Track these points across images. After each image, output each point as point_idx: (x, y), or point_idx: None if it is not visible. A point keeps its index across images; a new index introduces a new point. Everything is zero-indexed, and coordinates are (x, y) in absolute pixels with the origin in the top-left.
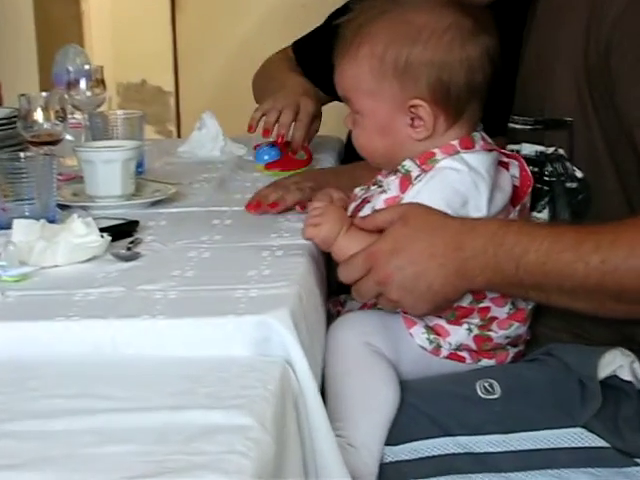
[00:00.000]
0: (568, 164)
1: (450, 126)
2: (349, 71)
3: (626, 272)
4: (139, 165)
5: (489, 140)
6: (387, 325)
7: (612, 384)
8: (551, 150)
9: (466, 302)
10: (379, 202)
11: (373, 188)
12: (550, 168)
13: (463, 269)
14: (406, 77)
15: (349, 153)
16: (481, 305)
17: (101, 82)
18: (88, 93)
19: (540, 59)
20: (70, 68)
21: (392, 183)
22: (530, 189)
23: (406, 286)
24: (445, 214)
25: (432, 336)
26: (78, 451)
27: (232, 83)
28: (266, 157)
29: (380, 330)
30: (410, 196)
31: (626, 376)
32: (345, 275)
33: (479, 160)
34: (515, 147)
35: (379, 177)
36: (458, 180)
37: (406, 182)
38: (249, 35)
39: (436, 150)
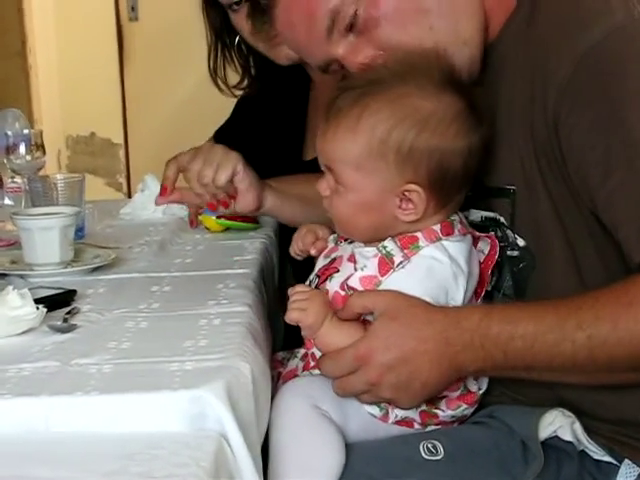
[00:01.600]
0: (509, 232)
1: (438, 211)
2: (342, 142)
3: (614, 344)
4: (79, 229)
5: (465, 222)
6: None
7: (553, 444)
8: (495, 215)
9: None
10: (353, 279)
11: (342, 245)
12: (499, 233)
13: (455, 363)
14: (407, 162)
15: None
16: None
17: (40, 146)
18: (28, 157)
19: None
20: (9, 132)
21: (369, 261)
22: (490, 271)
23: (400, 385)
24: (427, 306)
25: (382, 404)
26: None
27: (181, 134)
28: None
29: (328, 395)
30: (392, 283)
31: (567, 437)
32: (330, 371)
33: (459, 250)
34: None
35: None
36: (440, 272)
37: (386, 265)
38: (197, 87)
39: (419, 235)
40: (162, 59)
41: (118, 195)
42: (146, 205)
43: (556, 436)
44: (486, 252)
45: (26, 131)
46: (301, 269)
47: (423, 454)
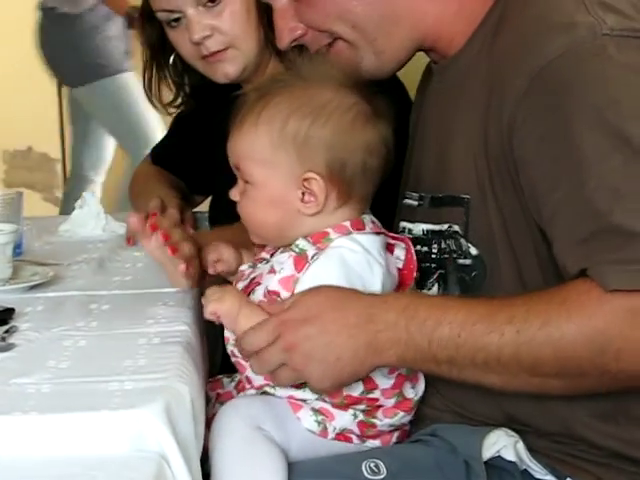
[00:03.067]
0: (462, 241)
1: (340, 205)
2: (246, 138)
3: (541, 343)
4: (17, 246)
5: (378, 223)
6: (275, 409)
7: (496, 464)
8: (445, 227)
9: (357, 392)
10: (272, 283)
11: (260, 266)
12: (443, 245)
13: (374, 343)
14: (305, 150)
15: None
16: (370, 396)
17: None
18: None
19: (434, 137)
20: None
21: (285, 262)
22: (414, 274)
23: (314, 355)
24: (354, 289)
25: (320, 417)
26: None
27: (118, 149)
28: None
29: (269, 414)
30: (308, 275)
31: (510, 456)
32: (250, 342)
33: (371, 241)
34: (409, 225)
35: (264, 254)
36: (354, 260)
37: (302, 261)
38: None
39: (329, 230)
40: None
41: (55, 210)
42: (85, 222)
43: (499, 456)
44: (402, 258)
45: None
46: None
47: (366, 473)
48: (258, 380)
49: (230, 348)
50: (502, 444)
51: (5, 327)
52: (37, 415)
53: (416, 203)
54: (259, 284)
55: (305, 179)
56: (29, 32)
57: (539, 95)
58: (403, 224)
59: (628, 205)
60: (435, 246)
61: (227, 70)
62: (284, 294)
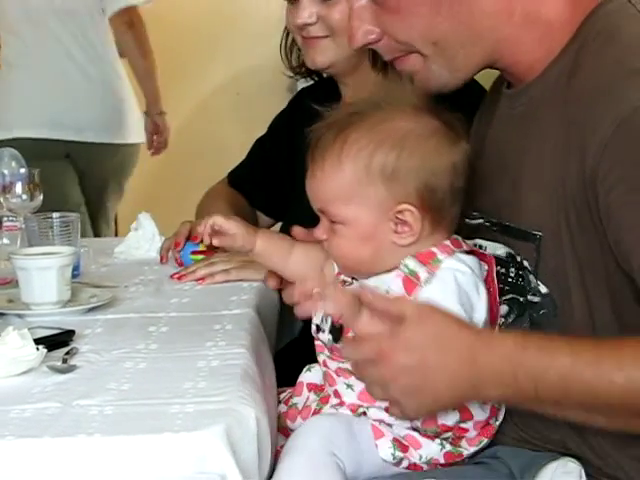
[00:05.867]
0: (531, 277)
1: (432, 231)
2: (330, 179)
3: None
4: (75, 268)
5: (468, 242)
6: (354, 434)
7: None
8: (519, 258)
9: (452, 422)
10: None
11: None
12: (521, 271)
13: (477, 384)
14: (394, 183)
15: None
16: (463, 425)
17: (37, 186)
18: (24, 196)
19: (504, 163)
20: (5, 171)
21: (392, 282)
22: (497, 298)
23: (411, 391)
24: (459, 321)
25: (397, 452)
26: None
27: (167, 174)
28: (192, 248)
29: (346, 440)
30: (424, 299)
31: None
32: (349, 354)
33: (474, 262)
34: (483, 243)
35: (343, 277)
36: (465, 282)
37: (412, 283)
38: (185, 125)
39: (435, 250)
40: None
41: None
42: (140, 244)
43: None
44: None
45: (22, 170)
46: None
47: None
48: (349, 398)
49: (323, 358)
50: (562, 471)
51: (66, 349)
52: (100, 437)
53: (485, 224)
54: None
55: (398, 211)
56: None
57: (625, 143)
58: (479, 241)
59: None
60: (513, 270)
61: (316, 58)
62: None
